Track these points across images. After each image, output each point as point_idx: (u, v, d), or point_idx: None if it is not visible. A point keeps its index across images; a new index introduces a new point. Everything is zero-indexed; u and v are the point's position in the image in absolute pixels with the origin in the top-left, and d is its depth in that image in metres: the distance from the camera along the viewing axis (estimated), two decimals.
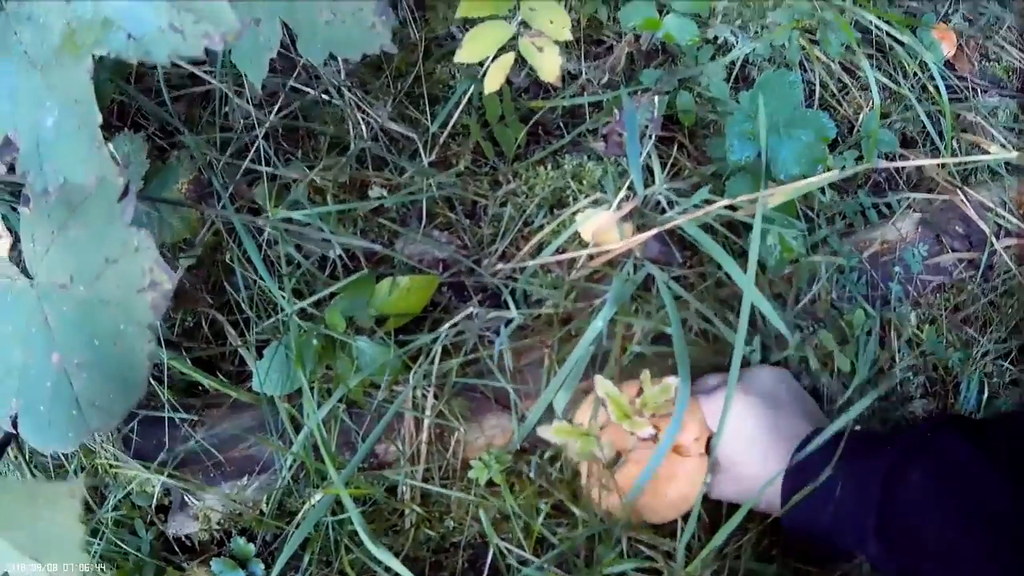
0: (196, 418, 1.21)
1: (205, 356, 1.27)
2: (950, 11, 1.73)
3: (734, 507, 1.05)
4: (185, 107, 1.33)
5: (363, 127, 1.31)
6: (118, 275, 0.88)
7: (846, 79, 1.46)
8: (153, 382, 1.16)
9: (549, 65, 1.14)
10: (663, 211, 1.18)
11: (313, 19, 0.99)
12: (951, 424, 0.94)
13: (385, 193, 1.28)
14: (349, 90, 1.31)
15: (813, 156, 1.20)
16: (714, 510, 1.13)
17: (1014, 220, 1.39)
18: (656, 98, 1.18)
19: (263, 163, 1.28)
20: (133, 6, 0.77)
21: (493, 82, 1.14)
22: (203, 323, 1.28)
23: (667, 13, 1.28)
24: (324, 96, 1.31)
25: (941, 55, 1.58)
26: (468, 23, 1.14)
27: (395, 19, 1.03)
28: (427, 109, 1.35)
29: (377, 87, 1.36)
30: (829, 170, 1.28)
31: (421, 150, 1.30)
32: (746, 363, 1.17)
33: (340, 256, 1.24)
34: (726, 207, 1.13)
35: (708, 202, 1.13)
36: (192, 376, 1.19)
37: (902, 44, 1.48)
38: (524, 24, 1.14)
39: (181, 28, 0.76)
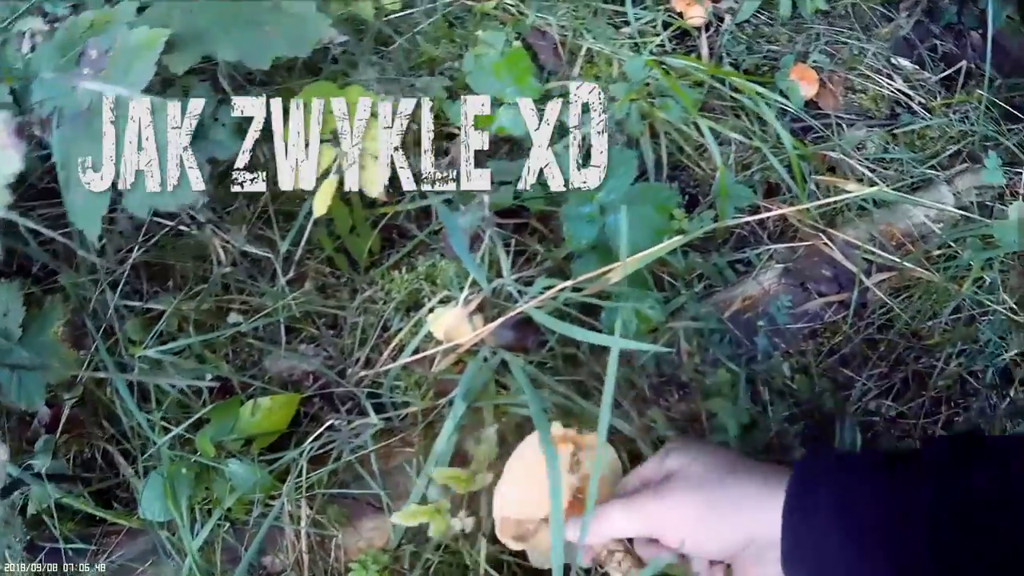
0: (95, 547, 1.30)
1: (106, 486, 1.36)
2: (811, 48, 1.90)
3: None
4: (63, 247, 1.49)
5: (222, 253, 1.44)
6: None
7: (702, 139, 1.57)
8: (47, 520, 1.29)
9: (374, 181, 1.24)
10: (514, 299, 1.33)
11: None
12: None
13: (242, 319, 1.42)
14: (208, 220, 1.46)
15: (655, 228, 1.29)
16: None
17: (884, 254, 1.50)
18: (485, 197, 1.33)
19: (135, 297, 1.41)
20: None
21: (320, 206, 1.23)
22: (96, 455, 1.38)
23: (500, 106, 1.40)
24: (183, 227, 1.46)
25: (800, 97, 1.73)
26: None
27: (204, 166, 1.19)
28: (279, 229, 1.46)
29: (233, 211, 1.51)
30: (683, 233, 1.43)
31: (278, 270, 1.44)
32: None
33: (210, 384, 1.38)
34: (574, 289, 1.28)
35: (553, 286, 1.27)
36: (86, 510, 1.33)
37: (758, 94, 1.64)
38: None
39: None
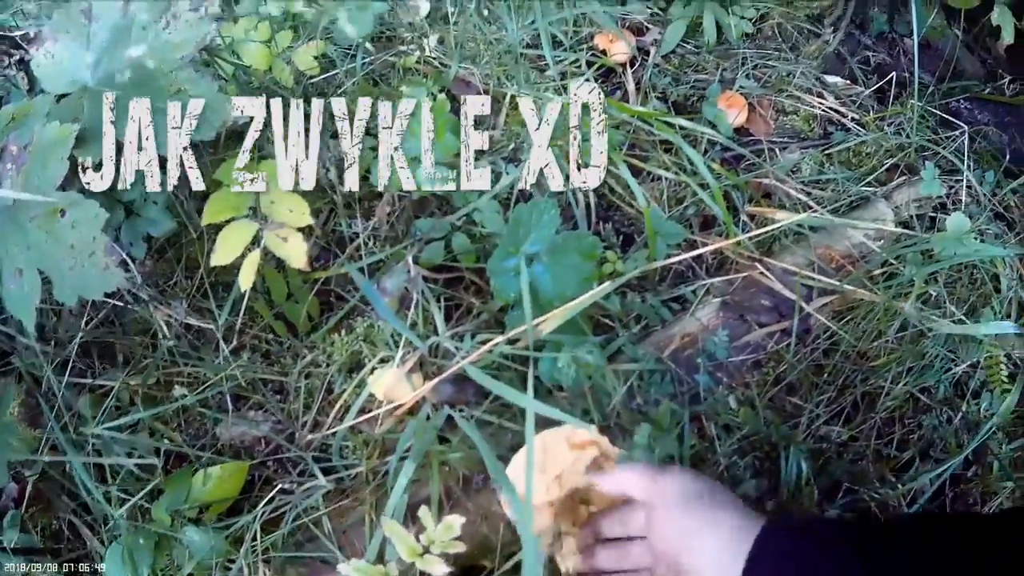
0: None
1: (74, 556, 1.38)
2: (737, 74, 1.92)
3: None
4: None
5: (165, 327, 1.47)
6: None
7: (631, 180, 1.56)
8: None
9: (296, 253, 1.26)
10: (452, 354, 1.35)
11: (60, 266, 1.15)
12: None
13: (187, 392, 1.44)
14: (149, 297, 1.48)
15: (583, 276, 1.30)
16: None
17: (824, 278, 1.49)
18: (410, 258, 1.35)
19: (87, 373, 1.44)
20: None
21: (247, 280, 1.25)
22: (63, 527, 1.39)
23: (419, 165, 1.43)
24: (126, 304, 1.49)
25: (728, 126, 1.74)
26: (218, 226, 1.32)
27: (121, 256, 1.20)
28: (218, 300, 1.49)
29: (173, 285, 1.53)
30: (618, 275, 1.45)
31: (220, 341, 1.45)
32: None
33: (160, 459, 1.41)
34: (509, 341, 1.30)
35: (487, 341, 1.30)
36: None
37: (681, 128, 1.66)
38: (265, 218, 1.28)
39: None
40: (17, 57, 1.59)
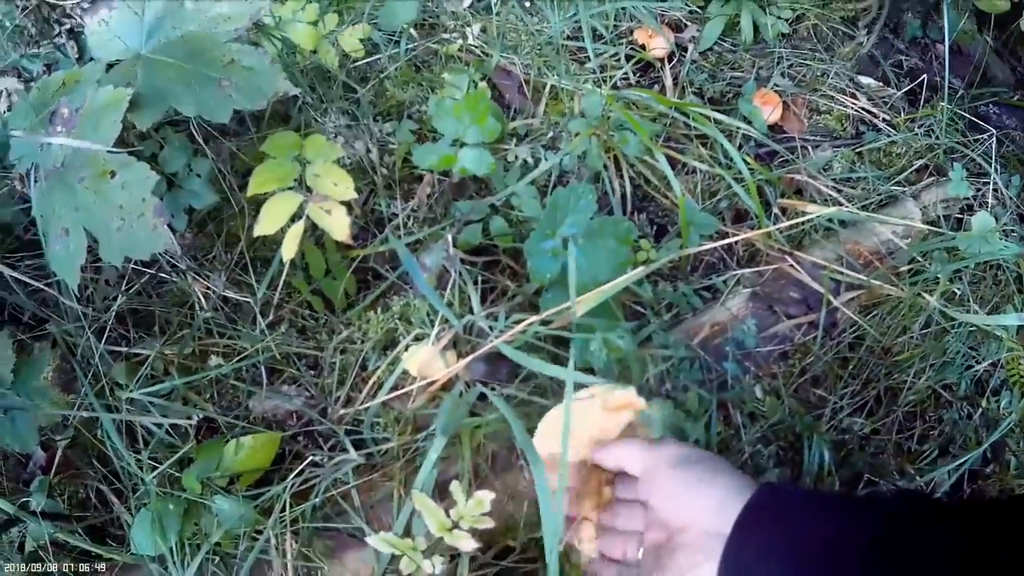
0: None
1: (99, 522, 1.41)
2: (773, 72, 1.94)
3: None
4: (52, 296, 1.55)
5: (203, 299, 1.51)
6: None
7: (667, 170, 1.57)
8: (44, 555, 1.34)
9: (339, 226, 1.29)
10: (486, 334, 1.38)
11: (108, 226, 1.18)
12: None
13: (223, 362, 1.47)
14: (188, 268, 1.52)
15: (618, 260, 1.34)
16: None
17: (852, 273, 1.53)
18: (450, 237, 1.39)
19: (122, 342, 1.46)
20: None
21: (289, 251, 1.29)
22: (90, 494, 1.43)
23: (462, 146, 1.46)
24: (164, 275, 1.53)
25: (763, 122, 1.77)
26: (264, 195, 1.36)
27: (169, 218, 1.24)
28: (256, 274, 1.51)
29: (212, 258, 1.57)
30: (651, 262, 1.49)
31: (258, 314, 1.48)
32: None
33: (195, 424, 1.44)
34: (543, 322, 1.34)
35: (520, 322, 1.33)
36: (81, 546, 1.38)
37: (717, 122, 1.69)
38: (310, 190, 1.33)
39: None
40: (68, 26, 1.63)
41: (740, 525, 0.95)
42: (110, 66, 1.36)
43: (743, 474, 1.05)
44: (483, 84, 1.67)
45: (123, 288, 1.49)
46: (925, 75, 1.98)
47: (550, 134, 1.64)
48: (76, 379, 1.43)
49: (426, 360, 1.34)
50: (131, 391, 1.38)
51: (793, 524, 0.93)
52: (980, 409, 1.55)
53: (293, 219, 1.32)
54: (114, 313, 1.46)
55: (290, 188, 1.33)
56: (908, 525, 0.87)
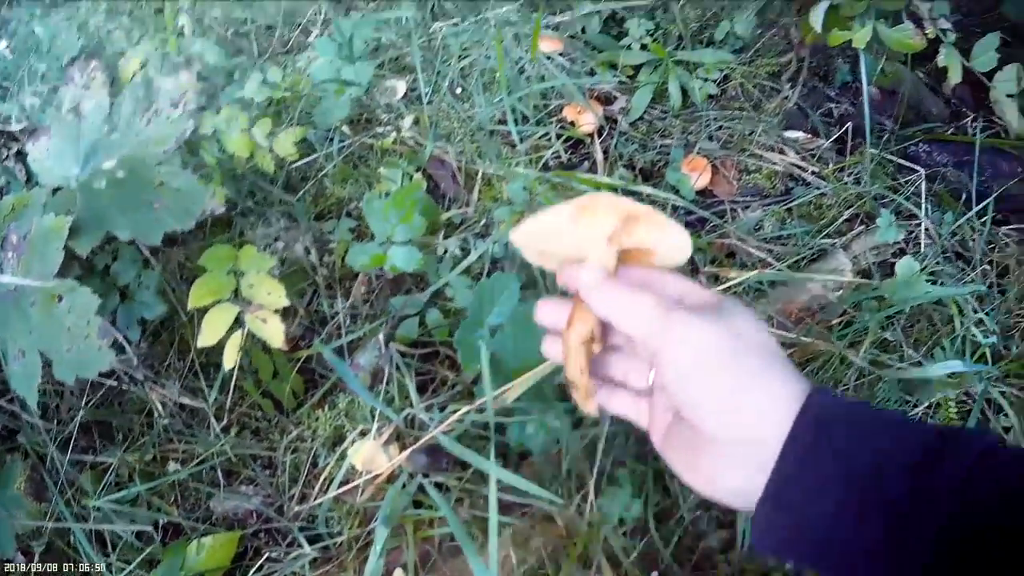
0: None
1: None
2: (701, 136, 2.00)
3: None
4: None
5: (159, 407, 1.58)
6: None
7: None
8: None
9: (274, 334, 1.37)
10: (426, 425, 1.45)
11: (59, 347, 1.26)
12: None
13: (180, 467, 1.55)
14: (144, 378, 1.60)
15: None
16: None
17: (782, 332, 1.58)
18: (382, 336, 1.46)
19: (88, 451, 1.56)
20: None
21: (230, 359, 1.37)
22: None
23: (392, 244, 1.51)
24: (121, 385, 1.60)
25: (690, 190, 1.83)
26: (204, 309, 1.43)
27: (119, 336, 1.33)
28: (208, 380, 1.60)
29: (167, 366, 1.63)
30: None
31: (212, 419, 1.55)
32: None
33: (156, 528, 1.53)
34: (479, 410, 1.41)
35: (458, 410, 1.40)
36: None
37: (646, 196, 1.75)
38: (248, 301, 1.40)
39: None
40: (15, 149, 1.71)
41: (792, 440, 0.71)
42: (55, 190, 1.45)
43: (790, 366, 0.77)
44: (418, 175, 1.74)
45: (84, 400, 1.57)
46: (851, 122, 2.04)
47: (483, 221, 1.71)
48: (46, 488, 1.51)
49: (370, 454, 1.41)
50: (97, 499, 1.46)
51: (843, 442, 0.71)
52: None
53: (233, 328, 1.40)
54: (78, 424, 1.55)
55: (228, 299, 1.40)
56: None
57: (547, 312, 0.93)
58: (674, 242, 0.85)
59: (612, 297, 0.81)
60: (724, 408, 0.74)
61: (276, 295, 1.40)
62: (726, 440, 0.75)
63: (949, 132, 2.08)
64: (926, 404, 1.62)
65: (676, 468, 0.82)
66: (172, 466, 1.55)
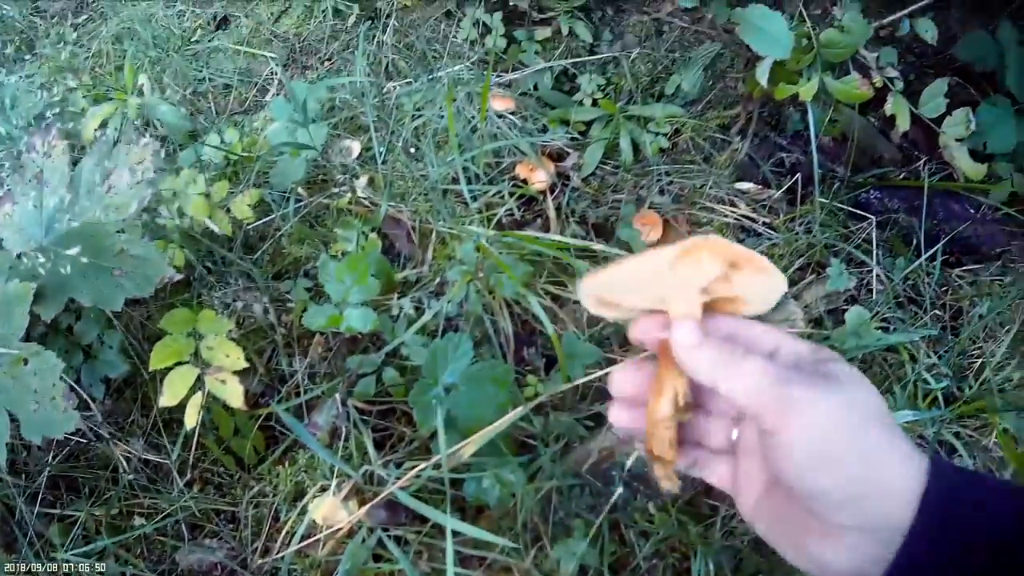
0: None
1: None
2: (652, 191, 2.04)
3: None
4: None
5: (124, 462, 1.62)
6: None
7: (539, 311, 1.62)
8: None
9: (233, 394, 1.42)
10: (384, 480, 1.49)
11: (26, 408, 1.31)
12: None
13: (145, 521, 1.59)
14: (109, 435, 1.64)
15: (498, 401, 1.43)
16: None
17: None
18: (338, 396, 1.51)
19: (56, 504, 1.60)
20: None
21: (191, 419, 1.42)
22: None
23: (347, 306, 1.55)
24: (85, 440, 1.64)
25: (642, 245, 1.88)
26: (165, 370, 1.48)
27: (83, 398, 1.38)
28: (174, 435, 1.64)
29: (131, 422, 1.68)
30: (536, 397, 1.60)
31: (175, 475, 1.60)
32: None
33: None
34: (436, 466, 1.45)
35: (415, 466, 1.45)
36: None
37: (597, 253, 1.79)
38: (206, 363, 1.45)
39: None
40: None
41: (921, 518, 0.66)
42: (18, 255, 1.49)
43: (901, 433, 0.70)
44: (373, 235, 1.79)
45: (51, 455, 1.61)
46: (801, 172, 2.08)
47: (437, 280, 1.75)
48: (16, 539, 1.56)
49: (330, 509, 1.45)
50: (65, 552, 1.50)
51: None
52: None
53: (194, 389, 1.45)
54: (45, 479, 1.59)
55: (188, 361, 1.45)
56: None
57: (626, 380, 0.82)
58: (773, 287, 0.77)
59: (714, 359, 0.72)
60: (852, 496, 0.67)
61: (235, 357, 1.45)
62: (851, 527, 0.68)
63: (901, 176, 2.12)
64: None
65: (774, 542, 0.77)
66: (138, 520, 1.59)
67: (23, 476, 1.62)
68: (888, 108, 1.94)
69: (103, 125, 2.00)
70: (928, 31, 2.00)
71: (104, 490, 1.64)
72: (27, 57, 2.75)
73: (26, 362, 1.34)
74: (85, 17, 2.84)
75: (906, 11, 2.02)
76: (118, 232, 1.46)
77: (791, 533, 0.74)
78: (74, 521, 1.59)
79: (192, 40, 2.58)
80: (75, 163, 1.56)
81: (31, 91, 2.44)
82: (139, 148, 1.53)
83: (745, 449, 0.81)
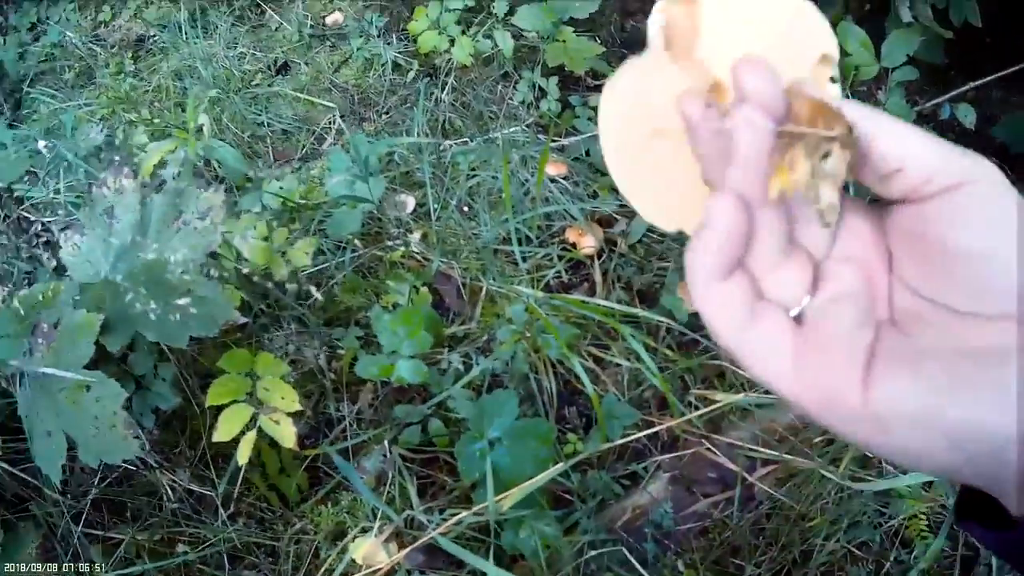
0: None
1: None
2: None
3: None
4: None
5: (169, 491, 1.71)
6: None
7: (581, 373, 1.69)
8: None
9: (286, 435, 1.50)
10: (424, 526, 1.58)
11: (85, 433, 1.39)
12: None
13: (189, 550, 1.67)
14: (156, 463, 1.73)
15: (538, 457, 1.53)
16: None
17: (766, 450, 1.71)
18: (387, 443, 1.61)
19: (98, 526, 1.68)
20: None
21: (243, 456, 1.50)
22: None
23: (399, 357, 1.65)
24: (133, 467, 1.73)
25: (685, 313, 1.94)
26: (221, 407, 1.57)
27: (138, 428, 1.46)
28: (217, 470, 1.73)
29: (178, 452, 1.78)
30: (576, 454, 1.69)
31: (219, 507, 1.69)
32: None
33: None
34: (475, 514, 1.54)
35: (457, 514, 1.54)
36: None
37: (640, 319, 1.87)
38: (261, 403, 1.54)
39: None
40: (44, 239, 1.86)
41: None
42: (84, 285, 1.58)
43: None
44: (424, 290, 1.89)
45: (98, 478, 1.70)
46: None
47: (484, 337, 1.85)
48: (57, 556, 1.64)
49: (371, 551, 1.54)
50: (108, 573, 1.58)
51: None
52: (888, 562, 1.70)
53: (247, 427, 1.53)
54: (90, 500, 1.67)
55: (243, 400, 1.54)
56: None
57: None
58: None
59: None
60: None
61: (289, 399, 1.54)
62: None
63: None
64: (901, 517, 1.73)
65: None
66: (180, 548, 1.67)
67: (68, 496, 1.69)
68: None
69: (162, 163, 2.10)
70: (968, 116, 2.08)
71: (147, 516, 1.71)
72: (86, 85, 2.87)
73: (88, 388, 1.42)
74: (145, 50, 2.95)
75: (947, 96, 2.10)
76: (182, 273, 1.54)
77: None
78: (116, 543, 1.67)
79: (252, 83, 2.68)
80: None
81: (91, 121, 2.56)
82: (209, 193, 1.62)
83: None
